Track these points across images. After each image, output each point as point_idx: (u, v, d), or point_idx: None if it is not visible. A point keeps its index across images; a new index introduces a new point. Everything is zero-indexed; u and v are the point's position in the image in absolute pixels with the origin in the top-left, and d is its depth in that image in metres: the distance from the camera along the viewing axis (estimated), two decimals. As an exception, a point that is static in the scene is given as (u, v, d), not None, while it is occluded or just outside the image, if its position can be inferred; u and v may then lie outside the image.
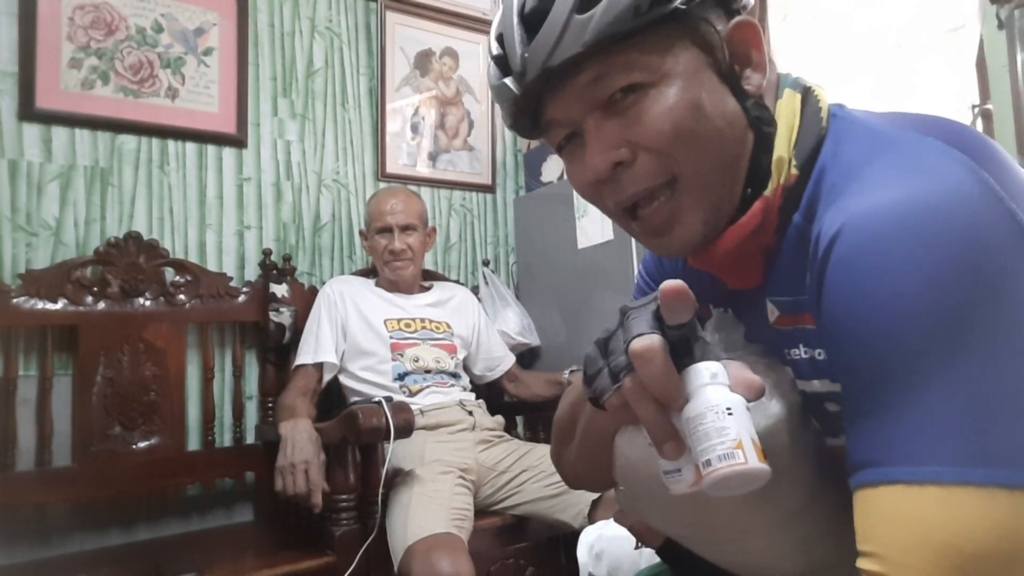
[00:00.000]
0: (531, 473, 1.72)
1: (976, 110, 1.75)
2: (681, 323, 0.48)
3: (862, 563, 0.45)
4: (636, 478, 0.60)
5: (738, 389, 0.48)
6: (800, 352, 0.59)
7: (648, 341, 0.47)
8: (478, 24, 2.53)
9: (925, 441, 0.43)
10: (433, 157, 2.43)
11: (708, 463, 0.46)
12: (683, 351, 0.50)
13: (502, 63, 0.62)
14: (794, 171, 0.57)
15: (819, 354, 0.57)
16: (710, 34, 0.58)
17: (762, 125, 0.59)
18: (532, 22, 0.58)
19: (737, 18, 0.59)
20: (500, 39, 0.62)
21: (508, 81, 0.61)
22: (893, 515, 0.43)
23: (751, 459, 0.45)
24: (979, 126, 1.75)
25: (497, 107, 2.50)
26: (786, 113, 0.59)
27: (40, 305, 1.66)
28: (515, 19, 0.59)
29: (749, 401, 0.48)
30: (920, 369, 0.44)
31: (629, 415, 0.50)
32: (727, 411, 0.46)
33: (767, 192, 0.58)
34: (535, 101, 0.61)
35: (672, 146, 0.56)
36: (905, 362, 0.44)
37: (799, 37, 2.06)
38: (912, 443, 0.43)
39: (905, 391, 0.44)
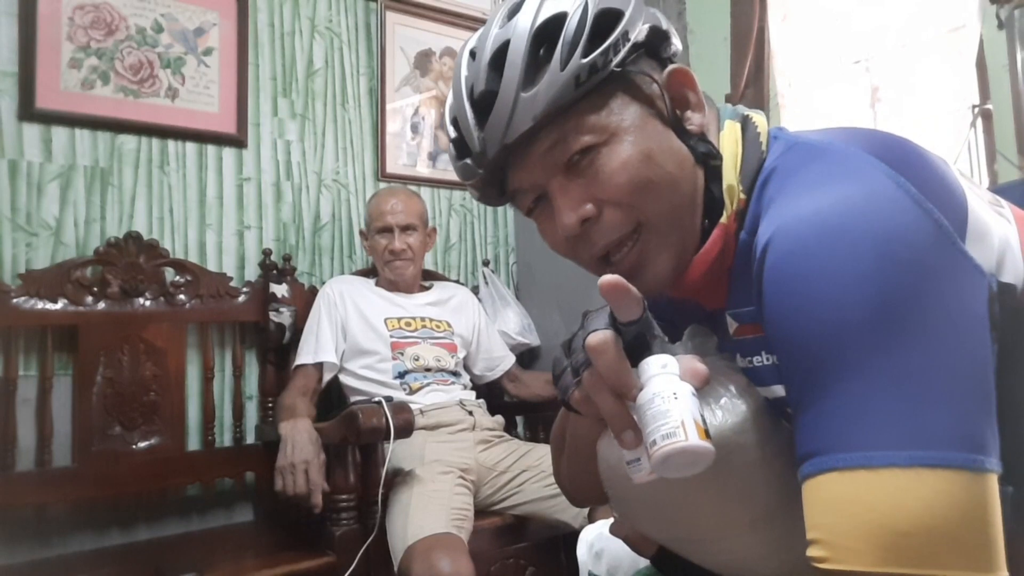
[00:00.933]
0: (531, 473, 1.72)
1: (976, 110, 1.75)
2: (633, 320, 0.53)
3: (810, 551, 0.47)
4: (617, 479, 0.62)
5: (686, 377, 0.53)
6: (763, 359, 0.62)
7: (601, 335, 0.52)
8: (478, 24, 2.52)
9: (855, 429, 0.46)
10: (433, 157, 2.43)
11: (654, 443, 0.50)
12: (641, 348, 0.54)
13: (461, 145, 0.65)
14: (742, 195, 0.61)
15: (775, 360, 0.60)
16: (648, 86, 0.62)
17: (709, 160, 0.63)
18: (483, 105, 0.62)
19: (670, 66, 0.64)
20: (455, 123, 0.66)
21: (469, 161, 0.64)
22: (830, 501, 0.46)
23: (691, 436, 0.49)
24: (979, 126, 1.75)
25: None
26: (729, 143, 0.63)
27: (40, 305, 1.66)
28: (466, 104, 0.63)
29: (697, 388, 0.52)
30: (847, 362, 0.46)
31: (594, 409, 0.55)
32: (673, 395, 0.50)
33: (723, 219, 0.62)
34: (498, 175, 0.65)
35: (632, 196, 0.60)
36: (834, 357, 0.47)
37: (799, 37, 2.06)
38: (843, 431, 0.46)
39: (835, 384, 0.47)
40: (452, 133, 0.66)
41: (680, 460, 0.49)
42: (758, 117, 0.65)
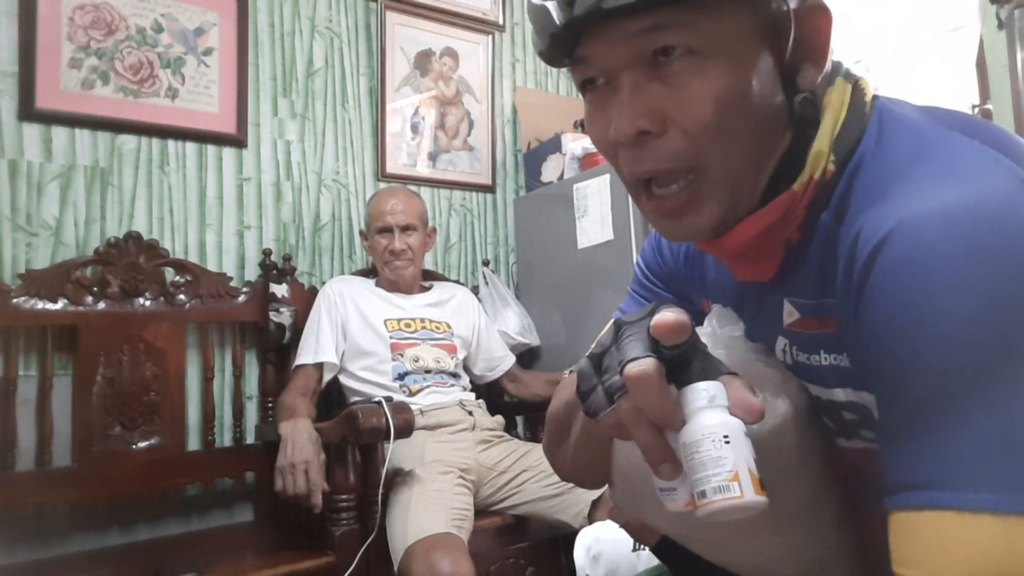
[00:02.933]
0: (531, 473, 1.72)
1: (976, 110, 1.75)
2: (678, 343, 0.47)
3: None
4: (635, 476, 0.59)
5: (737, 412, 0.46)
6: (820, 358, 0.57)
7: (643, 366, 0.45)
8: (478, 24, 2.52)
9: (976, 467, 0.41)
10: (433, 157, 2.43)
11: (703, 494, 0.45)
12: (681, 365, 0.48)
13: None
14: (831, 166, 0.54)
15: (841, 360, 0.55)
16: (781, 16, 0.53)
17: (804, 125, 0.55)
18: None
19: (812, 1, 0.54)
20: None
21: (551, 7, 0.54)
22: (940, 542, 0.42)
23: (747, 493, 0.44)
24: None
25: (498, 107, 2.53)
26: (835, 103, 0.55)
27: (40, 305, 1.66)
28: None
29: (748, 424, 0.46)
30: (973, 391, 0.42)
31: (624, 432, 0.49)
32: (724, 439, 0.45)
33: (795, 186, 0.54)
34: (575, 35, 0.55)
35: (706, 133, 0.52)
36: (957, 383, 0.42)
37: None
38: (964, 468, 0.41)
39: (955, 413, 0.42)
40: None
41: (731, 514, 0.45)
42: (867, 83, 0.57)
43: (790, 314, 0.59)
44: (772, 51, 0.53)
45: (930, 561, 0.42)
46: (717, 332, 0.62)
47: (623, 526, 0.74)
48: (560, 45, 0.56)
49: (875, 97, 0.57)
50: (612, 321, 0.51)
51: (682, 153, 0.53)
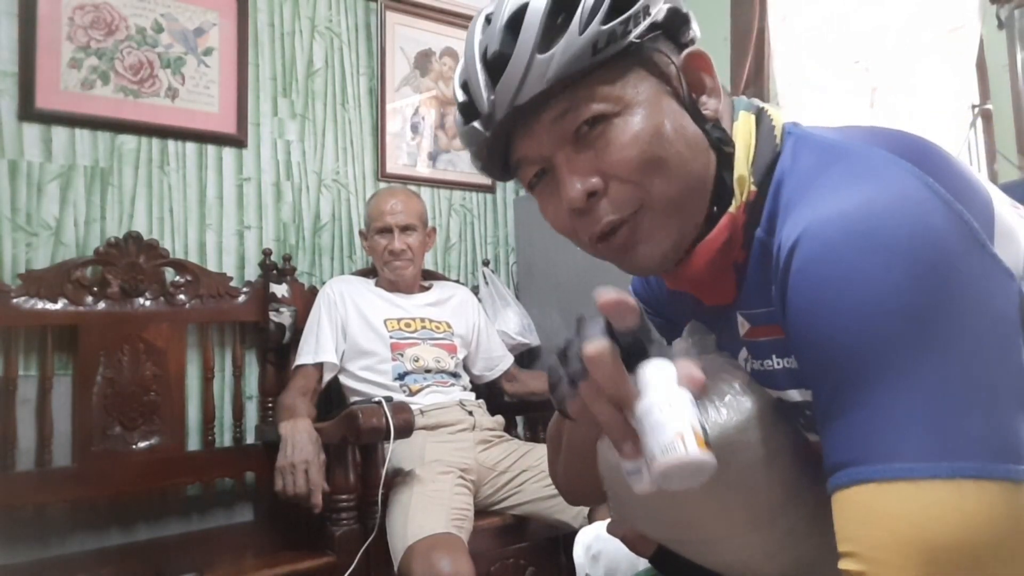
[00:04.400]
0: (531, 473, 1.72)
1: (976, 110, 1.75)
2: (631, 328, 0.53)
3: (843, 564, 0.46)
4: (617, 481, 0.62)
5: (684, 384, 0.51)
6: (773, 363, 0.61)
7: (598, 345, 0.51)
8: (478, 24, 2.52)
9: (892, 439, 0.44)
10: (433, 157, 2.43)
11: (653, 456, 0.48)
12: (638, 354, 0.53)
13: (468, 109, 0.63)
14: (752, 187, 0.60)
15: (791, 363, 0.59)
16: (665, 64, 0.61)
17: (723, 146, 0.61)
18: (495, 66, 0.60)
19: (688, 49, 0.63)
20: (465, 86, 0.64)
21: (477, 124, 0.62)
22: (866, 514, 0.45)
23: (691, 449, 0.47)
24: (979, 126, 1.75)
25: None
26: (742, 134, 0.62)
27: (40, 305, 1.66)
28: (478, 65, 0.62)
29: (695, 394, 0.51)
30: (883, 371, 0.45)
31: (592, 419, 0.54)
32: (669, 405, 0.49)
33: (732, 209, 0.60)
34: (504, 142, 0.63)
35: (641, 173, 0.58)
36: (868, 365, 0.46)
37: (799, 37, 2.06)
38: (880, 442, 0.45)
39: (869, 393, 0.45)
40: (460, 97, 0.65)
41: (681, 473, 0.48)
42: (774, 111, 0.64)
43: (743, 325, 0.64)
44: (670, 94, 0.60)
45: (860, 534, 0.45)
46: (689, 341, 0.67)
47: (621, 539, 0.76)
48: (495, 156, 0.65)
49: (790, 123, 0.63)
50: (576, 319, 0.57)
51: (628, 198, 0.59)
